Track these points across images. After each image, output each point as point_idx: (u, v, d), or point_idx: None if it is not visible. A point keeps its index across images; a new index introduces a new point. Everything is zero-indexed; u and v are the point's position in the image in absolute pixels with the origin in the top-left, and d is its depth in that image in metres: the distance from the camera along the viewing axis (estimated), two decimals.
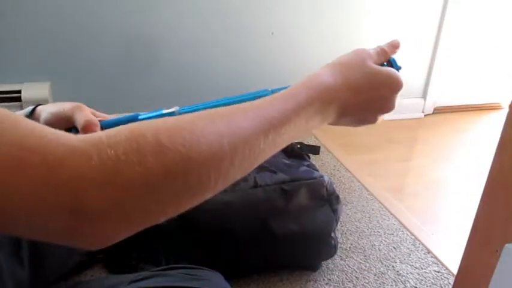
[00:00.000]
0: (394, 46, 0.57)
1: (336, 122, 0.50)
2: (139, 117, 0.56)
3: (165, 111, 0.57)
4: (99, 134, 0.32)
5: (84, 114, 0.58)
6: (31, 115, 0.61)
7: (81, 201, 0.29)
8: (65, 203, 0.29)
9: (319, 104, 0.46)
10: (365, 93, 0.50)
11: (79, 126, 0.56)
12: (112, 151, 0.30)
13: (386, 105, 0.52)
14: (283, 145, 0.44)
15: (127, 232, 0.33)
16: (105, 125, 0.57)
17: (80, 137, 0.32)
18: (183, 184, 0.34)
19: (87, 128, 0.56)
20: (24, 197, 0.28)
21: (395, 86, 0.52)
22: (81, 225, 0.30)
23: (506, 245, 0.60)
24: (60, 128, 0.40)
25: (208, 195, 0.39)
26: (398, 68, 0.59)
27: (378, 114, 0.53)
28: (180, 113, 0.56)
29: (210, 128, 0.36)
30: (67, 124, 0.59)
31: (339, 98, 0.48)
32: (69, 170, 0.29)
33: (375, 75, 0.50)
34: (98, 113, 0.62)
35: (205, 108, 0.52)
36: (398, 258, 1.29)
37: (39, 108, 0.62)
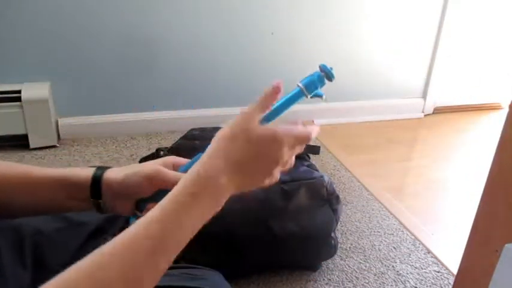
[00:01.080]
0: (273, 93, 0.53)
1: (238, 191, 0.54)
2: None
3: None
4: None
5: (173, 173, 0.58)
6: (100, 177, 0.58)
7: None
8: None
9: (207, 199, 0.51)
10: (251, 163, 0.52)
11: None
12: None
13: (278, 161, 0.53)
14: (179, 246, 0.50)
15: None
16: (182, 170, 0.59)
17: None
18: None
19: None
20: None
21: (278, 144, 0.51)
22: None
23: (506, 245, 0.60)
24: (138, 194, 0.57)
25: None
26: (331, 75, 0.60)
27: (272, 172, 0.55)
28: None
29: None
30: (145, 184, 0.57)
31: (226, 182, 0.51)
32: None
33: (256, 143, 0.51)
34: (181, 159, 0.61)
35: None
36: (398, 258, 1.29)
37: (109, 170, 0.59)
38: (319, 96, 0.62)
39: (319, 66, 0.59)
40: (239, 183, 0.53)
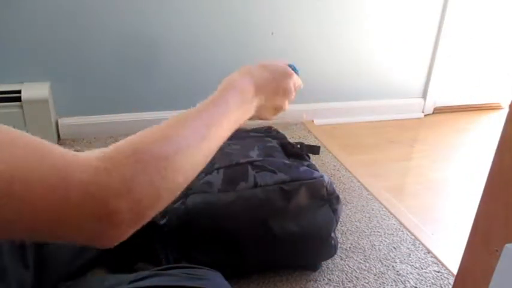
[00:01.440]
0: None
1: (257, 112, 0.63)
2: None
3: None
4: (112, 151, 0.41)
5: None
6: None
7: (108, 209, 0.38)
8: (96, 212, 0.37)
9: (232, 95, 0.58)
10: (271, 81, 0.65)
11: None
12: (126, 170, 0.40)
13: (288, 89, 0.67)
14: (221, 133, 0.55)
15: (136, 228, 0.42)
16: None
17: (97, 155, 0.40)
18: (172, 184, 0.44)
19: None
20: (63, 211, 0.36)
21: (287, 70, 0.68)
22: (106, 228, 0.38)
23: (506, 245, 0.60)
24: None
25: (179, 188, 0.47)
26: (297, 71, 0.73)
27: (285, 98, 0.67)
28: None
29: (183, 132, 0.50)
30: None
31: (256, 92, 0.62)
32: (94, 187, 0.37)
33: (270, 66, 0.67)
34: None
35: None
36: (398, 258, 1.29)
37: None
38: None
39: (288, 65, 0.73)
40: (261, 100, 0.63)
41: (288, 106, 0.69)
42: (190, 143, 0.48)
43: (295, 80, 0.68)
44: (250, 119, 0.63)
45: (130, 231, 0.41)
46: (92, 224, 0.37)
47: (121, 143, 0.45)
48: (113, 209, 0.38)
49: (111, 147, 0.43)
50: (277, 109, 0.68)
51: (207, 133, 0.51)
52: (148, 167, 0.41)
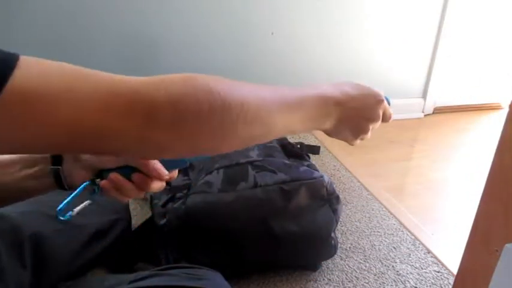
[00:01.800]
0: None
1: (336, 127, 0.58)
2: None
3: None
4: (168, 75, 0.43)
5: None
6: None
7: (151, 111, 0.40)
8: (140, 112, 0.40)
9: (317, 102, 0.54)
10: (358, 99, 0.58)
11: (145, 169, 0.56)
12: (174, 86, 0.41)
13: (375, 115, 0.61)
14: (290, 126, 0.52)
15: (181, 145, 0.43)
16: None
17: (149, 77, 0.42)
18: (220, 121, 0.43)
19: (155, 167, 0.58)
20: (114, 121, 0.39)
21: (378, 97, 0.61)
22: (152, 134, 0.41)
23: (506, 245, 0.60)
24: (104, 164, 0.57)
25: (235, 143, 0.47)
26: (389, 102, 0.69)
27: (369, 123, 0.62)
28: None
29: (240, 85, 0.47)
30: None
31: (334, 102, 0.56)
32: (145, 93, 0.40)
33: (365, 88, 0.60)
34: None
35: None
36: (398, 258, 1.29)
37: None
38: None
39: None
40: (342, 113, 0.57)
41: (370, 134, 0.65)
42: (260, 99, 0.47)
43: (386, 108, 0.63)
44: (329, 134, 0.60)
45: (175, 144, 0.42)
46: (134, 125, 0.39)
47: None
48: (154, 109, 0.40)
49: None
50: (360, 132, 0.63)
51: (280, 107, 0.49)
52: (199, 91, 0.42)
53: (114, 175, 0.55)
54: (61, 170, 0.56)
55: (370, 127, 0.63)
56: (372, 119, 0.61)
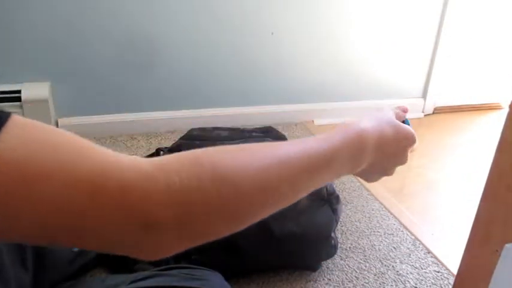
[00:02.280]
0: (404, 110, 0.65)
1: (365, 170, 0.55)
2: None
3: None
4: (164, 159, 0.36)
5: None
6: None
7: (150, 219, 0.33)
8: (136, 222, 0.33)
9: (352, 149, 0.50)
10: (392, 143, 0.55)
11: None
12: (176, 177, 0.35)
13: (404, 157, 0.58)
14: (315, 186, 0.47)
15: (186, 245, 0.38)
16: None
17: (148, 161, 0.36)
18: (234, 210, 0.38)
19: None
20: (99, 218, 0.32)
21: (411, 140, 0.58)
22: (148, 239, 0.34)
23: (506, 245, 0.60)
24: None
25: (253, 221, 0.43)
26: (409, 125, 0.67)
27: (397, 165, 0.59)
28: None
29: (258, 162, 0.40)
30: None
31: (371, 147, 0.52)
32: (140, 193, 0.33)
33: (401, 129, 0.57)
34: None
35: None
36: (398, 258, 1.29)
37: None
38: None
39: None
40: (375, 159, 0.54)
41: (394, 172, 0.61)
42: (269, 178, 0.40)
43: (414, 146, 0.59)
44: (350, 172, 0.55)
45: (178, 246, 0.37)
46: (128, 233, 0.34)
47: (183, 152, 0.38)
48: (153, 217, 0.33)
49: (170, 155, 0.37)
50: (385, 173, 0.59)
51: (306, 177, 0.44)
52: (204, 180, 0.35)
53: None
54: None
55: (395, 170, 0.60)
56: (401, 162, 0.58)
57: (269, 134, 1.50)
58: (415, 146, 0.59)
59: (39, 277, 0.81)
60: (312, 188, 0.46)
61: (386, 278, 1.21)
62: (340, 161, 0.48)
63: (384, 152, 0.54)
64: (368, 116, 0.56)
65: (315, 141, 0.47)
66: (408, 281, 1.20)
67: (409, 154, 0.59)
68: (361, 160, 0.51)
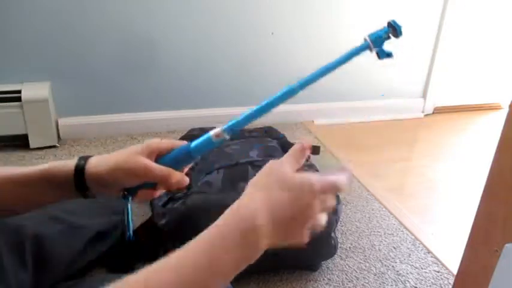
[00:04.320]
0: (304, 149, 0.55)
1: (273, 244, 0.51)
2: (191, 145, 0.58)
3: (212, 133, 0.58)
4: None
5: (144, 161, 0.56)
6: (83, 168, 0.57)
7: None
8: None
9: (238, 235, 0.47)
10: (287, 207, 0.48)
11: (159, 177, 0.56)
12: None
13: (310, 213, 0.49)
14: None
15: None
16: (163, 163, 0.57)
17: None
18: None
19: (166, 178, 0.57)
20: None
21: (310, 191, 0.48)
22: None
23: (506, 244, 0.60)
24: (124, 183, 0.57)
25: None
26: (400, 32, 0.62)
27: (305, 227, 0.50)
28: (227, 136, 0.58)
29: None
30: (132, 176, 0.56)
31: (262, 222, 0.48)
32: None
33: (293, 186, 0.49)
34: (163, 143, 0.59)
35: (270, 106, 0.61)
36: (398, 258, 1.29)
37: (93, 159, 0.58)
38: (387, 55, 0.65)
39: (388, 22, 0.62)
40: (274, 233, 0.50)
41: (306, 236, 0.53)
42: None
43: (321, 197, 0.49)
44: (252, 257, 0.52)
45: None
46: None
47: None
48: None
49: None
50: (299, 232, 0.52)
51: None
52: None
53: (141, 193, 0.59)
54: (87, 193, 0.58)
55: (305, 232, 0.51)
56: (309, 217, 0.49)
57: (269, 133, 1.50)
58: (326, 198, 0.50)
59: (39, 277, 0.81)
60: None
61: (386, 278, 1.21)
62: (223, 264, 0.47)
63: (281, 222, 0.49)
64: (255, 186, 0.50)
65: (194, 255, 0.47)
66: (408, 281, 1.20)
67: (330, 199, 0.50)
68: (254, 246, 0.49)
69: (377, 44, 0.64)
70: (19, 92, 1.71)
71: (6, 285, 0.71)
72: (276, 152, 1.30)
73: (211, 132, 0.57)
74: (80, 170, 0.56)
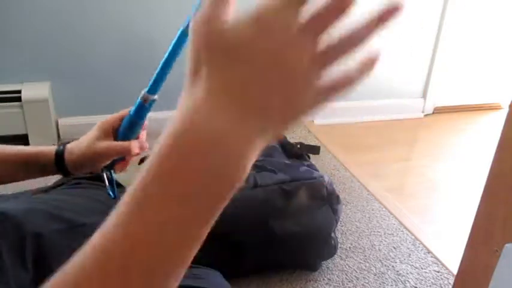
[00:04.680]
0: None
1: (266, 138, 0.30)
2: (131, 113, 0.69)
3: (140, 98, 0.68)
4: None
5: (104, 144, 0.69)
6: (62, 154, 0.70)
7: None
8: None
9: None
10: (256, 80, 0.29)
11: (119, 151, 0.70)
12: None
13: (296, 74, 0.29)
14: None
15: None
16: (120, 137, 0.70)
17: None
18: None
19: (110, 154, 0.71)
20: None
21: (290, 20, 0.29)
22: None
23: (506, 244, 0.60)
24: (98, 164, 0.71)
25: None
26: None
27: (306, 91, 0.31)
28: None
29: None
30: (101, 158, 0.71)
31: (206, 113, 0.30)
32: None
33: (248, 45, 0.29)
34: (112, 119, 0.73)
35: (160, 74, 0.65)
36: (398, 258, 1.29)
37: (69, 146, 0.72)
38: None
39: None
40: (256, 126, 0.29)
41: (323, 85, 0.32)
42: None
43: (309, 46, 0.30)
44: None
45: None
46: None
47: None
48: None
49: None
50: (291, 94, 0.30)
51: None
52: None
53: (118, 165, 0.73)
54: (69, 172, 0.73)
55: (308, 62, 0.30)
56: (299, 81, 0.30)
57: None
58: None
59: (39, 277, 0.81)
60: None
61: (386, 278, 1.21)
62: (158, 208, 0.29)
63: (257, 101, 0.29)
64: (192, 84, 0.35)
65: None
66: (408, 281, 1.20)
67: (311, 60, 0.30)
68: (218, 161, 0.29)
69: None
70: (19, 92, 1.71)
71: (6, 285, 0.71)
72: (276, 152, 1.30)
73: (139, 98, 0.67)
74: (60, 154, 0.70)
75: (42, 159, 0.70)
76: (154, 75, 0.65)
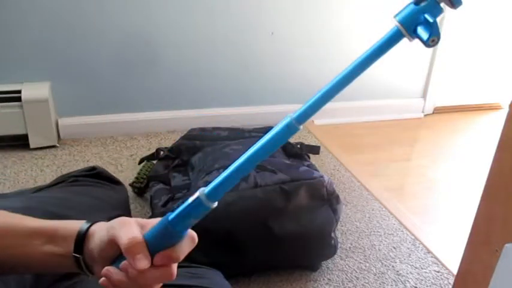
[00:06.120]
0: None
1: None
2: (169, 217, 0.48)
3: (191, 199, 0.48)
4: None
5: (127, 231, 0.48)
6: (85, 235, 0.51)
7: None
8: None
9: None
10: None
11: (122, 248, 0.46)
12: None
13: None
14: None
15: None
16: (147, 239, 0.47)
17: None
18: None
19: (131, 250, 0.46)
20: None
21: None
22: None
23: (506, 244, 0.60)
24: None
25: None
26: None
27: None
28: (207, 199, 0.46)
29: None
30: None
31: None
32: None
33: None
34: (145, 222, 0.50)
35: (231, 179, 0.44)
36: (398, 258, 1.29)
37: (92, 229, 0.51)
38: (434, 36, 0.37)
39: None
40: None
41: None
42: None
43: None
44: None
45: None
46: None
47: None
48: None
49: None
50: None
51: None
52: None
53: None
54: (81, 259, 0.51)
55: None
56: None
57: None
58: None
59: (39, 277, 0.81)
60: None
61: (386, 278, 1.21)
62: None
63: None
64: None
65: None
66: (408, 281, 1.20)
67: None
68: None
69: (411, 25, 0.40)
70: (19, 92, 1.71)
71: (6, 285, 0.71)
72: (276, 152, 1.30)
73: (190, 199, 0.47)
74: (82, 231, 0.51)
75: (62, 232, 0.54)
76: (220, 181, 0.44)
